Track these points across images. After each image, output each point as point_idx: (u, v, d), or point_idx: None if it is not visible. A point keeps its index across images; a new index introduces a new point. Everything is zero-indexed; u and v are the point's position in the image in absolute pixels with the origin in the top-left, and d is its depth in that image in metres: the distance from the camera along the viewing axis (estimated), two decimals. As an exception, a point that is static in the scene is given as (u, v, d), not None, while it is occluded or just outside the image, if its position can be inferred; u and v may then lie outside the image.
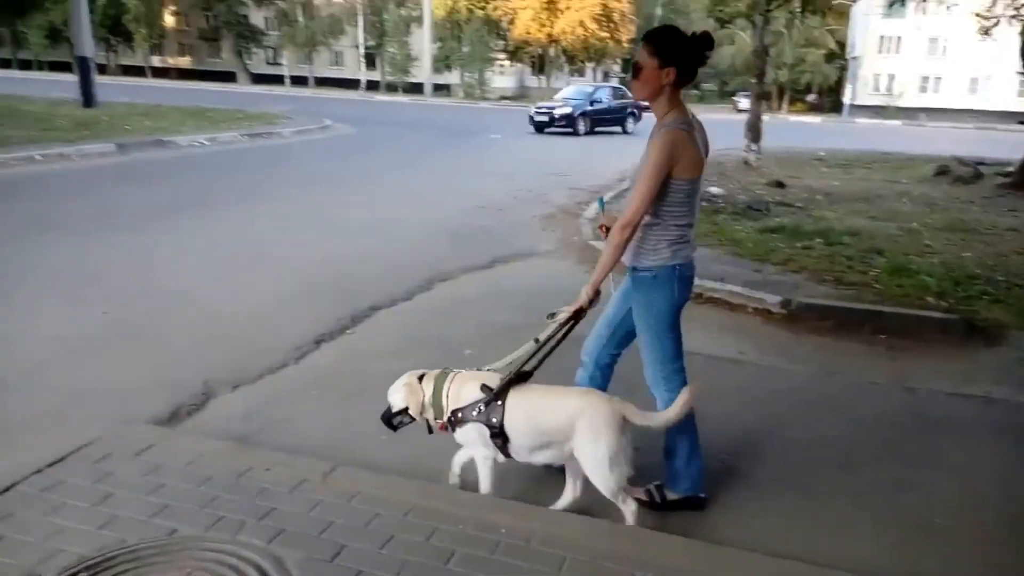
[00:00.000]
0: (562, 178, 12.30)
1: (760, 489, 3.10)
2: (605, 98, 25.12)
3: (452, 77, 51.62)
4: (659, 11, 53.43)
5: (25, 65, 57.06)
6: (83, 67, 20.46)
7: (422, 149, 17.04)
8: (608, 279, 2.78)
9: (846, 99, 49.43)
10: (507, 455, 2.69)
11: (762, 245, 7.10)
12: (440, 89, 50.21)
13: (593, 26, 42.84)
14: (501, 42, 50.65)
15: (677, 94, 2.62)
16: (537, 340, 2.76)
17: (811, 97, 54.26)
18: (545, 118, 23.25)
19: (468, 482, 2.84)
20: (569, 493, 2.76)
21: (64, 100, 22.36)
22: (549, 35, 44.37)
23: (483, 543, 2.49)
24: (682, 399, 2.53)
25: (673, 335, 2.78)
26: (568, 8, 42.80)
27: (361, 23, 50.06)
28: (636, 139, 22.73)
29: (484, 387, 2.66)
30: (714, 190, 10.42)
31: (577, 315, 2.77)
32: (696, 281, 2.88)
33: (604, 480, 2.53)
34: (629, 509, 2.61)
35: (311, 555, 2.38)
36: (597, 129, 23.75)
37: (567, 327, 2.80)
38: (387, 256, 6.67)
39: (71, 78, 41.94)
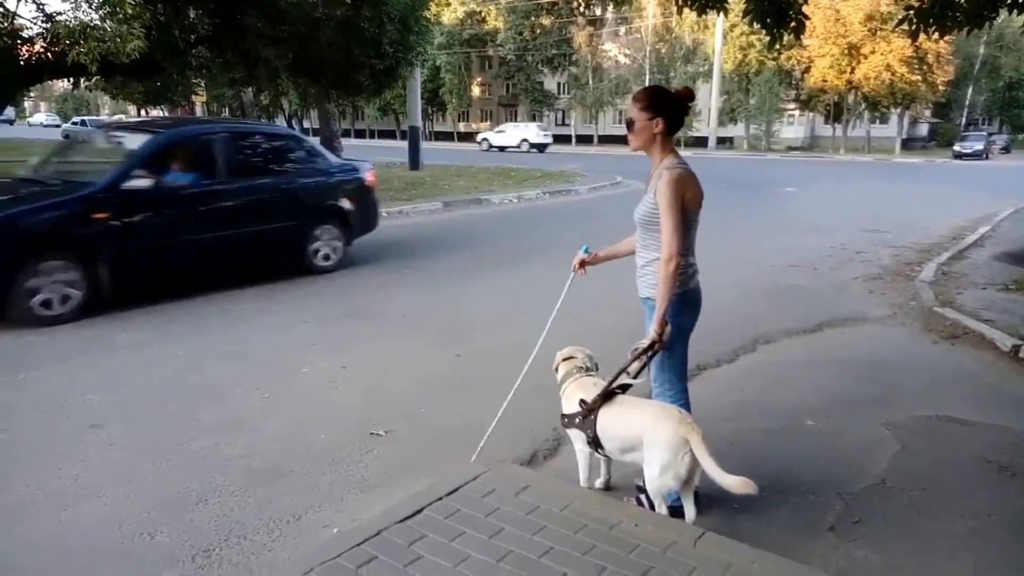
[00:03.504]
0: (879, 235, 11.29)
1: None
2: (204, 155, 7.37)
3: (736, 129, 50.62)
4: (982, 49, 47.48)
5: (359, 134, 67.25)
6: (413, 135, 23.50)
7: (717, 203, 16.73)
8: None
9: None
10: (604, 455, 3.19)
11: None
12: (723, 142, 49.43)
13: (902, 69, 39.12)
14: (792, 91, 48.58)
15: (669, 141, 3.02)
16: (627, 373, 3.10)
17: None
18: None
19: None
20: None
21: (394, 163, 25.82)
22: (849, 81, 41.46)
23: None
24: (741, 481, 2.69)
25: (680, 355, 3.17)
26: (873, 52, 39.62)
27: (648, 81, 51.33)
28: (954, 186, 20.30)
29: (582, 401, 3.13)
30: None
31: (652, 347, 2.99)
32: None
33: (650, 484, 2.93)
34: (661, 510, 3.00)
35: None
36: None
37: (647, 358, 3.05)
38: (705, 315, 6.60)
39: (396, 144, 48.19)
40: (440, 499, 3.12)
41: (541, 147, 43.08)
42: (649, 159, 3.10)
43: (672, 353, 3.13)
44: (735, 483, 2.71)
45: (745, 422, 4.24)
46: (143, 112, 32.95)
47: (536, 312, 6.72)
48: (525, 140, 42.81)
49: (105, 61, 10.37)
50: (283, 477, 3.54)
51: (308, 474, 3.58)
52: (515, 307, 7.00)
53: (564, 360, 3.45)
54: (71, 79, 13.67)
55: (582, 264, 3.59)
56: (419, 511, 3.02)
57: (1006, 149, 46.87)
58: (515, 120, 61.76)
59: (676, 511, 3.03)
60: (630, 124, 3.06)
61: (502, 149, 42.89)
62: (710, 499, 3.22)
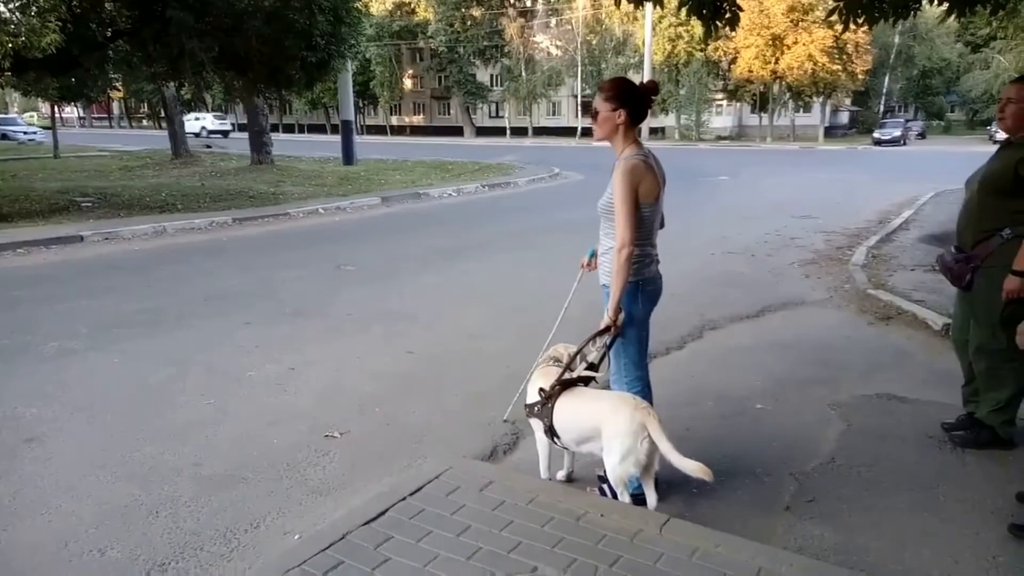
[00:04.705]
0: (811, 221, 11.68)
1: None
2: None
3: (668, 120, 51.51)
4: (897, 39, 49.53)
5: (288, 128, 65.72)
6: (346, 129, 23.09)
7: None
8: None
9: None
10: (562, 446, 3.17)
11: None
12: (655, 132, 50.29)
13: (823, 59, 40.53)
14: (720, 82, 49.71)
15: (631, 132, 3.06)
16: (586, 361, 3.20)
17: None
18: None
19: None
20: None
21: (327, 159, 25.36)
22: (773, 72, 42.70)
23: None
24: (698, 467, 2.72)
25: (636, 342, 3.18)
26: (796, 43, 40.93)
27: (580, 73, 51.74)
28: (876, 171, 21.22)
29: (540, 389, 3.15)
30: None
31: (606, 332, 3.07)
32: None
33: (611, 472, 2.93)
34: (623, 498, 3.00)
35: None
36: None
37: (606, 346, 3.13)
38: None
39: (326, 138, 47.14)
40: (404, 499, 3.08)
41: (223, 133, 50.56)
42: (613, 149, 3.12)
43: (627, 339, 3.16)
44: (693, 467, 2.74)
45: (698, 408, 4.32)
46: (56, 109, 31.33)
47: (485, 305, 6.76)
48: (204, 128, 49.85)
49: (18, 56, 9.83)
50: (237, 484, 3.42)
51: (263, 480, 3.47)
52: (464, 301, 6.97)
53: (551, 349, 3.46)
54: (-20, 75, 12.91)
55: (590, 262, 3.55)
56: (384, 512, 2.97)
57: (922, 135, 49.13)
58: (448, 113, 61.74)
59: (638, 499, 3.05)
60: (595, 114, 3.09)
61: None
62: (669, 485, 3.27)
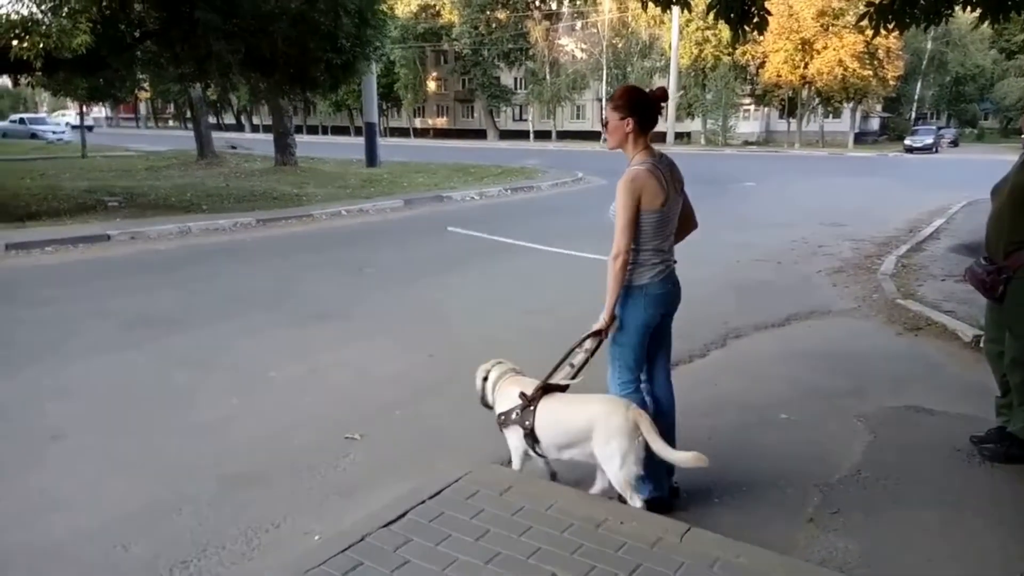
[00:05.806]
0: (839, 228, 11.54)
1: None
2: None
3: (693, 124, 51.18)
4: (929, 45, 48.81)
5: (311, 130, 66.22)
6: (369, 132, 23.22)
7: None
8: None
9: None
10: (538, 453, 3.17)
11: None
12: (681, 137, 49.94)
13: (854, 64, 40.01)
14: (748, 86, 49.28)
15: (642, 139, 3.07)
16: (572, 365, 3.18)
17: None
18: None
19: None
20: (599, 483, 3.18)
21: (350, 160, 25.52)
22: (802, 77, 42.25)
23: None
24: (693, 456, 2.80)
25: (636, 348, 3.15)
26: (825, 47, 40.46)
27: (605, 77, 51.58)
28: (907, 179, 21.01)
29: (521, 394, 3.14)
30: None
31: (597, 335, 3.07)
32: None
33: (615, 476, 2.93)
34: (635, 503, 2.96)
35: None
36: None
37: (593, 348, 3.11)
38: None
39: (349, 140, 47.28)
40: (423, 502, 3.07)
41: (88, 128, 59.36)
42: (625, 157, 3.12)
43: (623, 344, 3.15)
44: (687, 458, 2.78)
45: (721, 417, 4.27)
46: (85, 109, 31.84)
47: (505, 308, 6.76)
48: (68, 123, 54.24)
49: (49, 56, 10.00)
50: (258, 484, 3.45)
51: (284, 481, 3.49)
52: (485, 304, 6.97)
53: (495, 364, 3.42)
54: (12, 75, 13.17)
55: None
56: (403, 515, 2.97)
57: (954, 142, 48.31)
58: (472, 116, 62.09)
59: (652, 504, 3.03)
60: (605, 124, 3.11)
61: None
62: (691, 494, 3.24)
